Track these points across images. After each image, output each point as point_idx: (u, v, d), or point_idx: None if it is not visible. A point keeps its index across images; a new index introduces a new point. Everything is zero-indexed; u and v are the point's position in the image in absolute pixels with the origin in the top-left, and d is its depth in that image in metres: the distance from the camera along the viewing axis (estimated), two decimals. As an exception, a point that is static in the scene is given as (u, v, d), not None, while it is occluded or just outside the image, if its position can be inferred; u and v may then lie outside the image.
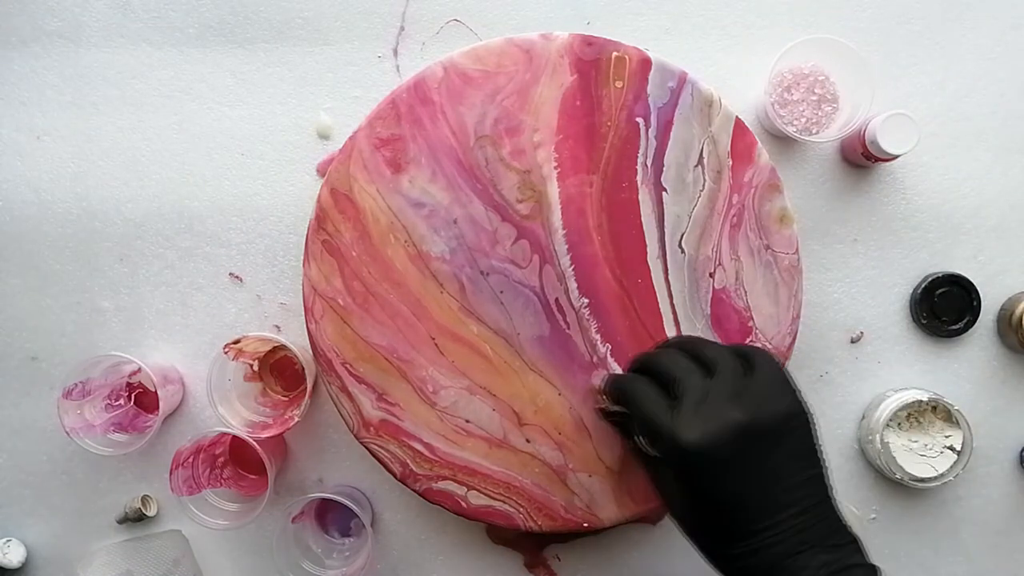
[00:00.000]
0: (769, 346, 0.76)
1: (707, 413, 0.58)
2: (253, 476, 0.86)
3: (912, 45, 0.86)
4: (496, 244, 0.75)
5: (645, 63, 0.75)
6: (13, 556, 0.85)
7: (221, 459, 0.84)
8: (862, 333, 0.86)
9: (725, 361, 0.61)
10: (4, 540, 0.85)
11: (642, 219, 0.76)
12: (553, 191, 0.75)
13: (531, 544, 0.86)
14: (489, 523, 0.79)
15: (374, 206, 0.76)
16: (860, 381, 0.86)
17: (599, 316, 0.75)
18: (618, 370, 0.76)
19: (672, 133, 0.75)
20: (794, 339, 0.77)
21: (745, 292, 0.76)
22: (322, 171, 0.85)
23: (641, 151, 0.75)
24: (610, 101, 0.75)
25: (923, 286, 0.84)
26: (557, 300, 0.75)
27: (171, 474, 0.78)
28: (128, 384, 0.86)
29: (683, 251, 0.76)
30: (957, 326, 0.85)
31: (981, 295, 0.84)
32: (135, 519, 0.85)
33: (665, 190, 0.75)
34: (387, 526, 0.87)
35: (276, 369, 0.87)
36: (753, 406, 0.58)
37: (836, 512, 0.59)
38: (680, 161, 0.76)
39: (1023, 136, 0.86)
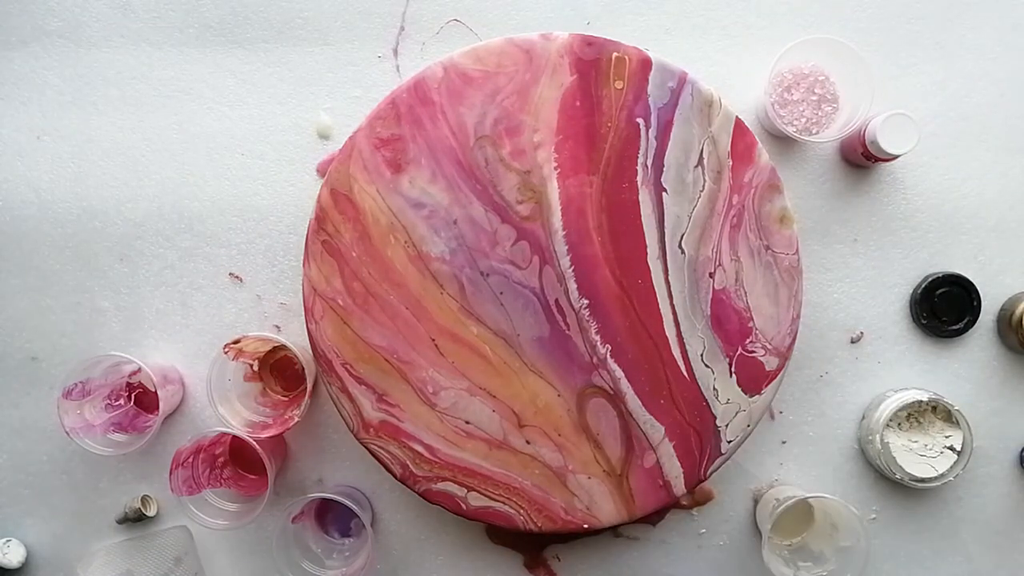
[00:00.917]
0: (769, 346, 0.76)
1: None
2: (253, 476, 0.86)
3: (912, 45, 0.86)
4: (496, 245, 0.75)
5: (645, 63, 0.75)
6: (13, 556, 0.85)
7: (221, 459, 0.84)
8: (862, 333, 0.86)
9: None
10: (4, 540, 0.85)
11: (642, 220, 0.75)
12: (553, 192, 0.75)
13: (531, 544, 0.86)
14: (489, 523, 0.79)
15: (374, 206, 0.76)
16: (860, 381, 0.86)
17: (599, 317, 0.75)
18: (617, 371, 0.76)
19: (672, 133, 0.75)
20: (794, 339, 0.77)
21: (745, 292, 0.76)
22: (322, 171, 0.85)
23: (641, 151, 0.75)
24: (610, 101, 0.75)
25: (923, 286, 0.84)
26: (557, 301, 0.75)
27: (171, 474, 0.78)
28: (128, 384, 0.86)
29: (683, 252, 0.76)
30: (957, 326, 0.85)
31: (981, 295, 0.84)
32: (135, 519, 0.85)
33: (665, 190, 0.75)
34: (387, 526, 0.87)
35: (276, 369, 0.87)
36: None
37: None
38: (680, 161, 0.76)
39: (1023, 136, 0.85)
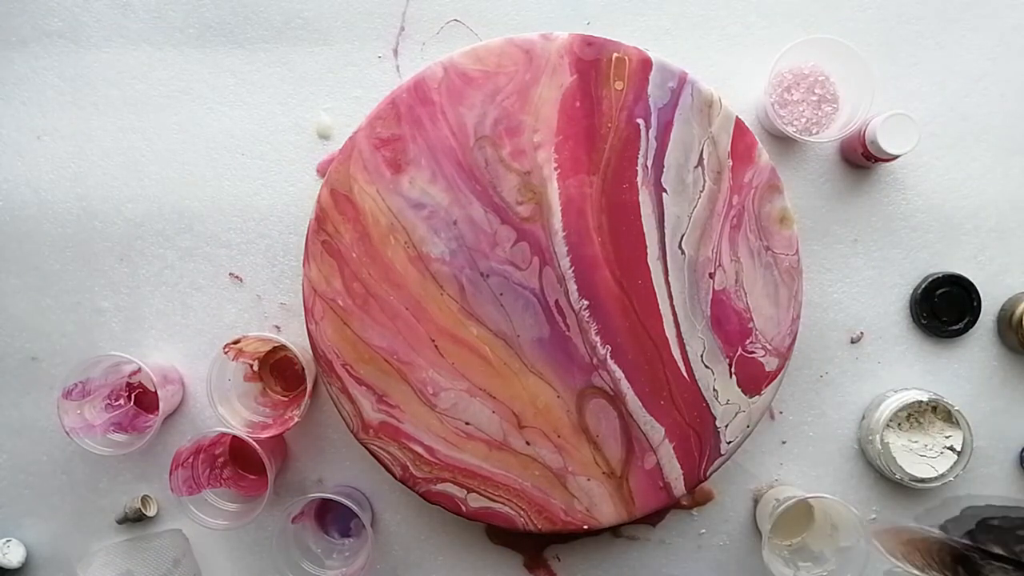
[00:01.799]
0: (769, 347, 0.76)
1: None
2: (253, 476, 0.86)
3: (912, 45, 0.86)
4: (496, 246, 0.75)
5: (645, 63, 0.75)
6: (13, 556, 0.85)
7: (221, 459, 0.85)
8: (862, 333, 0.86)
9: None
10: (4, 540, 0.85)
11: (642, 220, 0.75)
12: (553, 192, 0.75)
13: (531, 544, 0.86)
14: (489, 524, 0.79)
15: (374, 207, 0.75)
16: (860, 381, 0.86)
17: (599, 317, 0.75)
18: (617, 371, 0.76)
19: (672, 134, 0.75)
20: (794, 340, 0.77)
21: (745, 293, 0.76)
22: (322, 171, 0.85)
23: (641, 152, 0.75)
24: (610, 102, 0.75)
25: (923, 286, 0.84)
26: (557, 302, 0.75)
27: (171, 474, 0.78)
28: (128, 384, 0.86)
29: (683, 252, 0.76)
30: (957, 326, 0.85)
31: (981, 295, 0.84)
32: (135, 519, 0.86)
33: (665, 191, 0.75)
34: (387, 526, 0.87)
35: (276, 369, 0.87)
36: None
37: None
38: (680, 162, 0.76)
39: (1023, 136, 0.85)
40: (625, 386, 0.76)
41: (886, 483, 0.85)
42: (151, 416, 0.85)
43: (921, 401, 0.80)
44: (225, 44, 0.86)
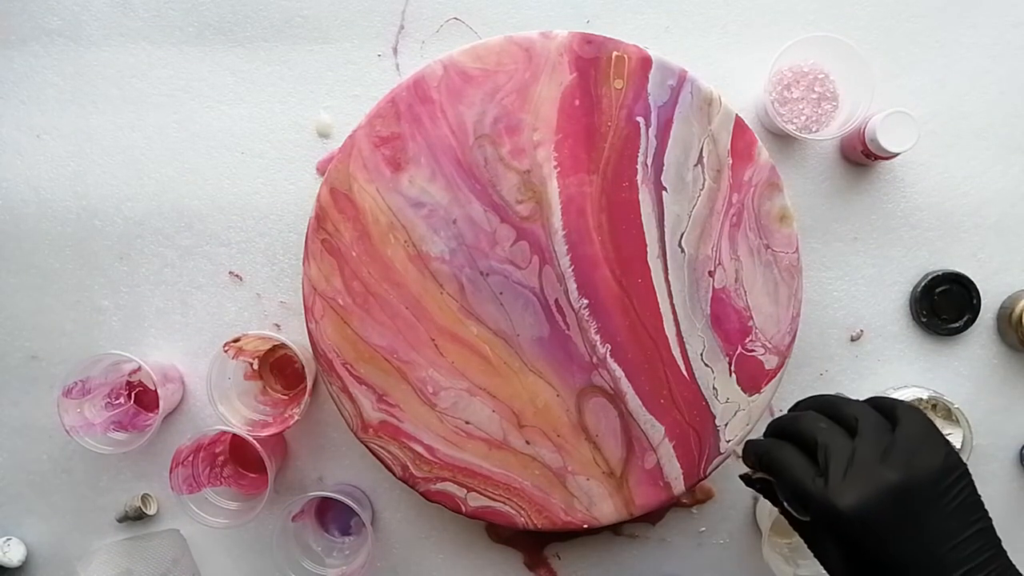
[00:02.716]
0: (769, 345, 0.76)
1: (858, 476, 0.54)
2: (253, 475, 0.86)
3: (912, 43, 0.86)
4: (495, 245, 0.75)
5: (645, 61, 0.75)
6: (13, 555, 0.85)
7: (221, 457, 0.85)
8: (862, 331, 0.86)
9: (867, 417, 0.57)
10: (4, 539, 0.86)
11: (642, 219, 0.75)
12: (553, 191, 0.75)
13: (531, 543, 0.86)
14: (489, 522, 0.79)
15: (374, 206, 0.75)
16: (860, 379, 0.86)
17: (599, 316, 0.75)
18: (617, 370, 0.76)
19: (672, 132, 0.75)
20: (794, 338, 0.77)
21: (745, 291, 0.76)
22: (322, 170, 0.85)
23: (641, 150, 0.75)
24: (610, 100, 0.75)
25: (923, 284, 0.84)
26: (557, 301, 0.75)
27: (171, 472, 0.78)
28: (128, 383, 0.87)
29: (683, 250, 0.76)
30: (957, 324, 0.85)
31: (981, 293, 0.84)
32: (135, 517, 0.86)
33: (665, 189, 0.75)
34: (387, 524, 0.87)
35: (276, 367, 0.87)
36: (905, 464, 0.54)
37: (1012, 566, 0.55)
38: (680, 160, 0.75)
39: (1023, 135, 0.85)
40: (625, 385, 0.76)
41: (886, 481, 0.85)
42: (151, 414, 0.85)
43: (921, 399, 0.80)
44: (225, 42, 0.86)
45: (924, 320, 0.84)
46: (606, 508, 0.77)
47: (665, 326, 0.76)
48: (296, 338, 0.84)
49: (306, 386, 0.81)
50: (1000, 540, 0.55)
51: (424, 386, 0.76)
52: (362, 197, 0.76)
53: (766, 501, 0.83)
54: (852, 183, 0.85)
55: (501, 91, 0.75)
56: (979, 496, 0.56)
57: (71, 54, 0.86)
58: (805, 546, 0.83)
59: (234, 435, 0.80)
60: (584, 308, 0.75)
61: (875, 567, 0.55)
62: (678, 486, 0.77)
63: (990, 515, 0.56)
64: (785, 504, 0.60)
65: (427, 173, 0.75)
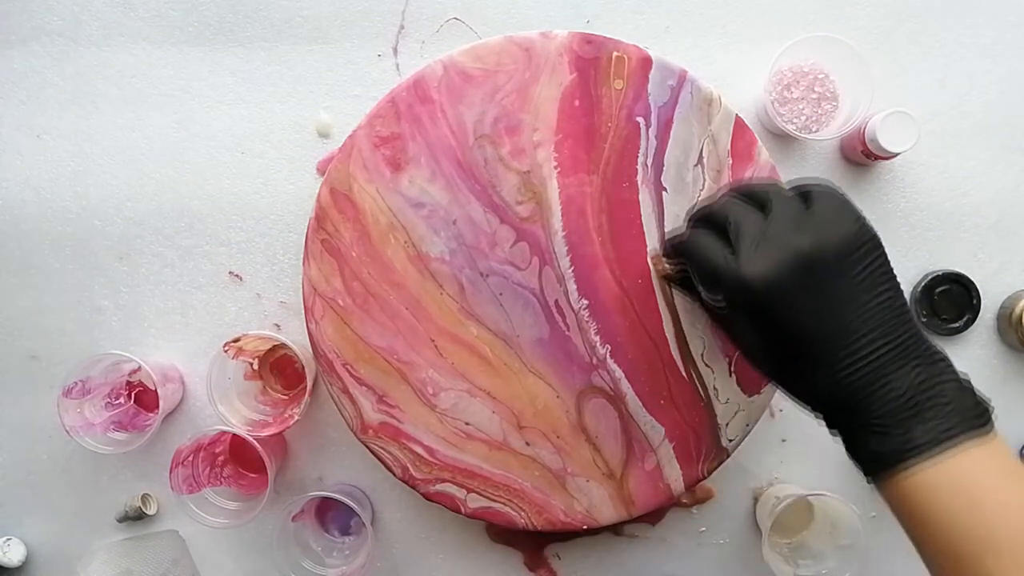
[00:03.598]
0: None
1: (768, 247, 0.55)
2: (253, 474, 0.86)
3: (912, 43, 0.86)
4: (495, 246, 0.75)
5: (645, 62, 0.75)
6: (13, 555, 0.85)
7: (221, 457, 0.85)
8: (862, 331, 0.85)
9: (779, 195, 0.57)
10: (4, 539, 0.86)
11: (642, 219, 0.75)
12: (553, 192, 0.75)
13: (531, 543, 0.86)
14: (489, 522, 0.79)
15: (374, 206, 0.75)
16: (860, 379, 0.86)
17: (598, 317, 0.75)
18: (617, 371, 0.76)
19: (672, 132, 0.75)
20: (794, 338, 0.77)
21: (745, 291, 0.76)
22: (322, 170, 0.85)
23: (641, 151, 0.75)
24: (610, 100, 0.75)
25: (923, 284, 0.84)
26: (556, 302, 0.75)
27: (171, 472, 0.78)
28: (128, 383, 0.87)
29: (683, 251, 0.76)
30: (957, 324, 0.85)
31: (981, 293, 0.84)
32: (135, 517, 0.86)
33: (665, 190, 0.75)
34: (387, 524, 0.87)
35: (276, 367, 0.87)
36: (816, 233, 0.55)
37: (920, 332, 0.56)
38: (680, 160, 0.75)
39: (1023, 134, 0.85)
40: (625, 386, 0.76)
41: (886, 481, 0.85)
42: (151, 414, 0.85)
43: (921, 399, 0.80)
44: (225, 42, 0.86)
45: (924, 320, 0.84)
46: (606, 510, 0.77)
47: (665, 327, 0.76)
48: (296, 338, 0.84)
49: (306, 386, 0.81)
50: (910, 312, 0.57)
51: (424, 387, 0.76)
52: (362, 197, 0.76)
53: (766, 501, 0.83)
54: (852, 183, 0.85)
55: (501, 91, 0.75)
56: (891, 268, 0.57)
57: (71, 54, 0.86)
58: (805, 546, 0.83)
59: (234, 435, 0.80)
60: (584, 309, 0.75)
61: (787, 338, 0.56)
62: (678, 487, 0.77)
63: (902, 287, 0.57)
64: (701, 291, 0.61)
65: (427, 173, 0.75)
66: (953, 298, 0.84)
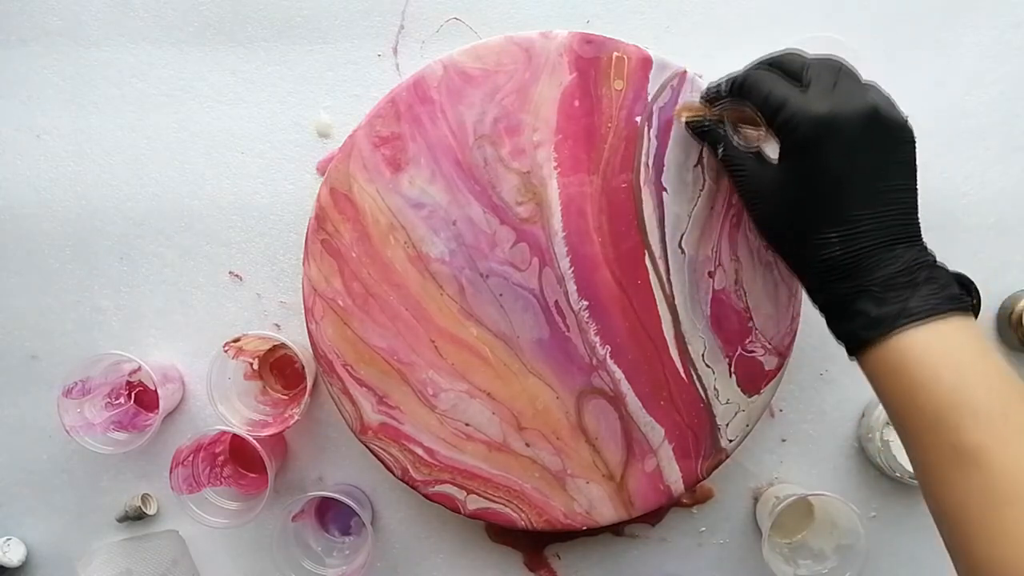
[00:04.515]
0: (769, 346, 0.76)
1: (841, 92, 0.59)
2: (253, 474, 0.86)
3: (912, 43, 0.85)
4: (495, 246, 0.75)
5: (645, 62, 0.75)
6: (13, 555, 0.85)
7: (221, 457, 0.85)
8: (862, 332, 0.85)
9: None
10: (4, 539, 0.86)
11: (643, 220, 0.75)
12: (553, 192, 0.75)
13: (531, 543, 0.86)
14: (489, 522, 0.79)
15: (374, 206, 0.75)
16: (860, 379, 0.84)
17: (598, 318, 0.75)
18: (617, 372, 0.76)
19: (672, 132, 0.75)
20: (794, 338, 0.77)
21: (745, 292, 0.76)
22: (322, 170, 0.85)
23: (642, 151, 0.75)
24: (610, 100, 0.75)
25: (923, 285, 0.84)
26: (556, 303, 0.75)
27: (171, 472, 0.78)
28: (128, 383, 0.87)
29: (683, 251, 0.76)
30: (957, 325, 0.84)
31: (981, 293, 0.84)
32: (135, 517, 0.86)
33: (665, 190, 0.75)
34: (387, 524, 0.87)
35: (276, 367, 0.87)
36: (887, 101, 0.60)
37: (920, 231, 0.61)
38: (680, 160, 0.75)
39: (1023, 134, 0.85)
40: (625, 387, 0.76)
41: (886, 481, 0.85)
42: (151, 414, 0.85)
43: (921, 399, 0.80)
44: (225, 42, 0.86)
45: (924, 320, 0.84)
46: (606, 511, 0.77)
47: (665, 327, 0.76)
48: (296, 338, 0.84)
49: (306, 386, 0.81)
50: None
51: (424, 388, 0.76)
52: (362, 197, 0.76)
53: (766, 501, 0.83)
54: (852, 183, 0.85)
55: (501, 91, 0.75)
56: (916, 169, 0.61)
57: (71, 54, 0.86)
58: (805, 546, 0.84)
59: (234, 435, 0.80)
60: (584, 310, 0.75)
61: (827, 181, 0.59)
62: (678, 488, 0.77)
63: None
64: (732, 137, 0.66)
65: (427, 174, 0.75)
66: (953, 298, 0.84)
